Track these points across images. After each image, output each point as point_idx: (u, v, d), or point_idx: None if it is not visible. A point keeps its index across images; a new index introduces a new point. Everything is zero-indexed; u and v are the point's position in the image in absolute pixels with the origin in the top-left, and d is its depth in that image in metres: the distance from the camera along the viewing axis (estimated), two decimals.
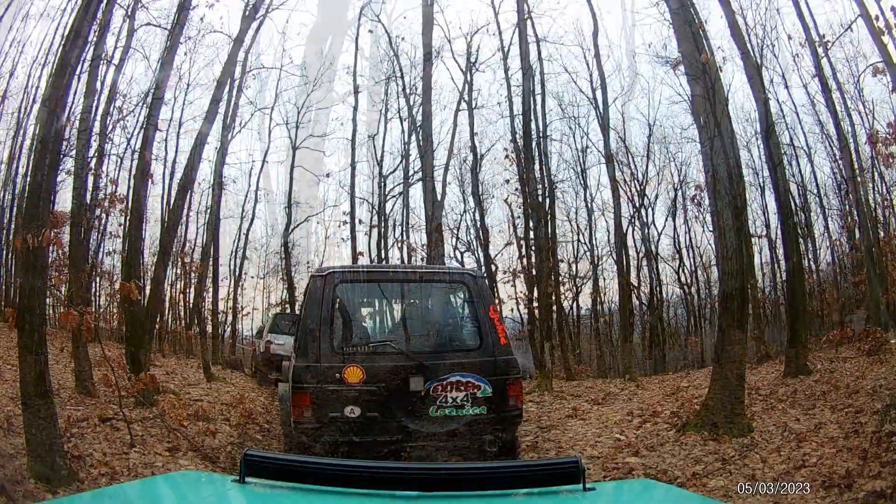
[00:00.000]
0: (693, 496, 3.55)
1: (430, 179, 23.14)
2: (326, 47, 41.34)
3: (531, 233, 29.29)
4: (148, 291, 14.10)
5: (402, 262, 34.36)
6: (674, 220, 39.15)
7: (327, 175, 38.56)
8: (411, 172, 38.33)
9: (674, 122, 40.04)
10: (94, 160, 14.71)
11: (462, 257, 37.60)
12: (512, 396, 6.84)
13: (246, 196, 39.84)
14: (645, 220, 34.21)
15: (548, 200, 29.90)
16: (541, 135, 22.49)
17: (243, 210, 40.36)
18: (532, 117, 24.82)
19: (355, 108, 31.00)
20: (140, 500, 2.40)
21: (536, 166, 25.54)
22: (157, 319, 25.33)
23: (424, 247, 30.12)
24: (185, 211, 14.94)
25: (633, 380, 22.50)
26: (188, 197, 13.80)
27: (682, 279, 41.18)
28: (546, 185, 23.54)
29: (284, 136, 48.80)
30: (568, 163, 37.12)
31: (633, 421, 10.60)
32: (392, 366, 6.64)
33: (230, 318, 39.33)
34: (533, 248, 24.71)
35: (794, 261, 13.59)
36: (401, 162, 39.28)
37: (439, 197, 28.28)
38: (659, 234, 37.87)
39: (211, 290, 32.40)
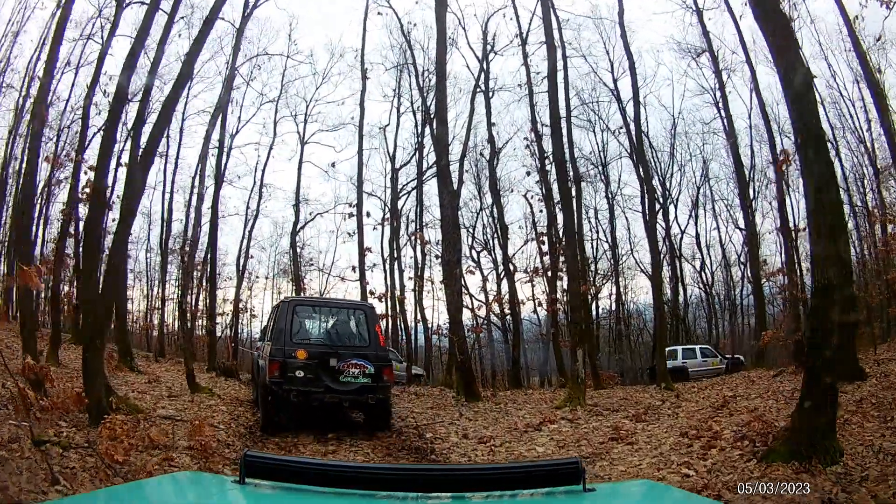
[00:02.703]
0: (693, 496, 3.22)
1: (446, 157, 21.70)
2: (337, 38, 40.07)
3: (556, 226, 28.97)
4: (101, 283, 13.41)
5: (417, 260, 38.06)
6: (696, 217, 41.13)
7: (332, 164, 39.44)
8: (426, 167, 37.02)
9: (694, 115, 38.35)
10: None
11: (479, 257, 37.30)
12: (385, 375, 12.31)
13: (251, 192, 39.85)
14: (668, 217, 33.00)
15: (573, 188, 27.65)
16: (567, 114, 18.88)
17: (248, 207, 40.37)
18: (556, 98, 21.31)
19: (363, 92, 29.57)
20: (140, 501, 2.32)
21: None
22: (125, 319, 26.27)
23: (439, 244, 28.17)
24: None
25: (669, 388, 21.14)
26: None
27: (704, 279, 42.68)
28: (572, 172, 21.19)
29: (292, 131, 51.28)
30: (588, 159, 37.28)
31: (694, 446, 9.47)
32: (321, 351, 12.16)
33: (229, 319, 39.03)
34: (563, 239, 21.97)
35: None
36: (414, 154, 38.35)
37: (455, 186, 26.85)
38: (682, 232, 38.38)
39: (207, 289, 31.64)
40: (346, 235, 34.38)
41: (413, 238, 32.08)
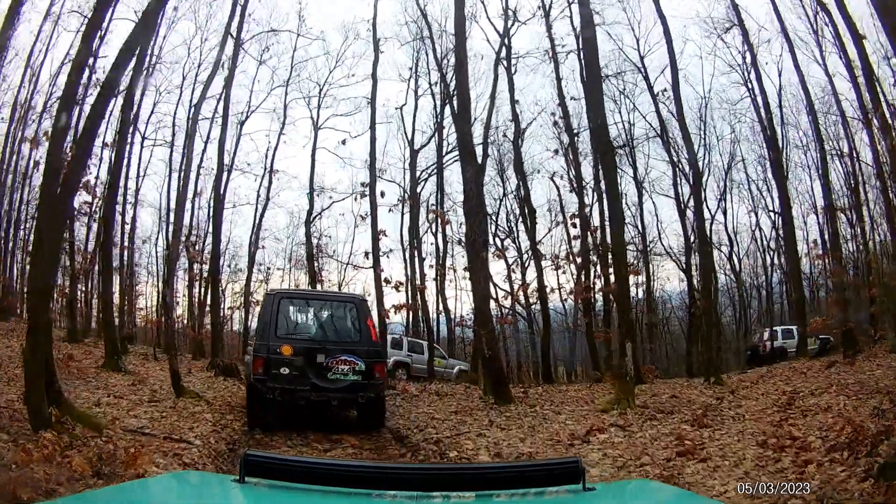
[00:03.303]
0: (693, 496, 3.57)
1: (468, 118, 19.96)
2: (350, 19, 38.93)
3: (586, 207, 29.30)
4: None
5: (438, 246, 36.42)
6: (725, 202, 39.26)
7: (343, 142, 36.87)
8: (446, 150, 36.09)
9: (720, 96, 37.69)
10: None
11: (502, 244, 35.39)
12: (376, 371, 12.05)
13: (261, 179, 39.28)
14: (704, 201, 31.88)
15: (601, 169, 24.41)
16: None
17: (258, 195, 39.52)
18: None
19: (375, 63, 28.95)
20: (140, 500, 2.48)
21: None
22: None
23: (462, 226, 27.74)
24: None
25: (719, 382, 20.01)
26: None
27: (733, 265, 41.22)
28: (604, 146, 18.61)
29: (305, 117, 49.90)
30: (614, 139, 31.09)
31: (782, 461, 7.90)
32: (307, 347, 11.97)
33: (233, 313, 40.21)
34: (607, 214, 21.34)
35: None
36: (433, 136, 37.17)
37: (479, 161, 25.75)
38: (712, 217, 36.65)
39: (206, 282, 32.52)
40: (360, 219, 31.61)
41: (433, 218, 30.14)
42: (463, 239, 27.95)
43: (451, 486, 2.33)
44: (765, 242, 40.03)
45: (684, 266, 34.60)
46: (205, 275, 33.31)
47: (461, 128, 18.08)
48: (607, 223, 22.73)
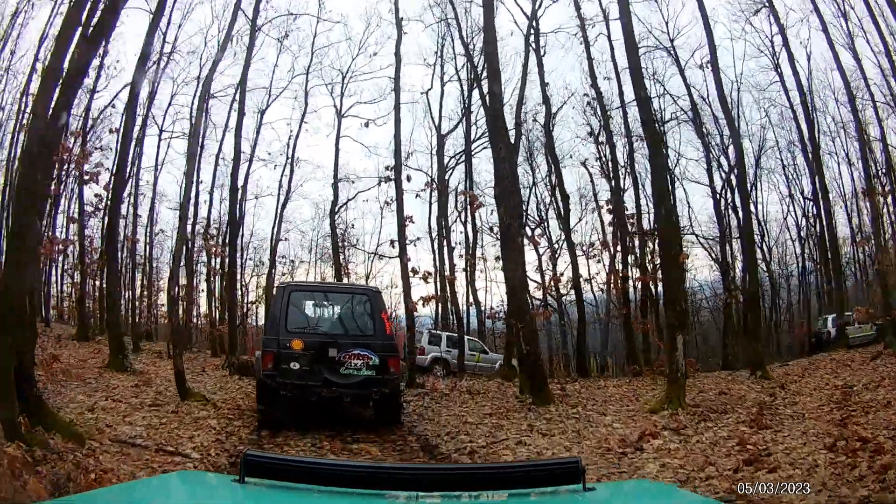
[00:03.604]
0: (693, 496, 3.60)
1: (499, 87, 17.87)
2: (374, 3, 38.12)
3: (622, 192, 28.69)
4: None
5: (468, 234, 35.04)
6: (756, 191, 37.59)
7: (367, 124, 35.93)
8: (474, 136, 35.21)
9: (748, 81, 37.58)
10: None
11: (532, 233, 34.59)
12: (391, 366, 11.78)
13: (283, 169, 38.06)
14: (743, 183, 29.32)
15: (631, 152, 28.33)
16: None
17: (280, 185, 38.33)
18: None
19: (398, 42, 26.68)
20: (140, 501, 2.52)
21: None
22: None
23: (493, 212, 26.52)
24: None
25: (766, 377, 19.24)
26: None
27: (764, 255, 39.43)
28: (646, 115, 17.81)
29: (328, 105, 48.34)
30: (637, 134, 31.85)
31: (859, 466, 7.12)
32: (319, 341, 11.68)
33: (257, 308, 39.39)
34: (652, 192, 20.62)
35: None
36: (460, 122, 36.08)
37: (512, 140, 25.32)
38: (743, 206, 32.41)
39: (224, 273, 32.02)
40: (386, 206, 31.47)
41: (465, 202, 28.99)
42: (494, 227, 28.50)
43: (451, 486, 2.33)
44: (797, 230, 40.53)
45: (717, 255, 34.71)
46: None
47: (492, 102, 17.18)
48: (648, 206, 21.48)
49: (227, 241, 28.66)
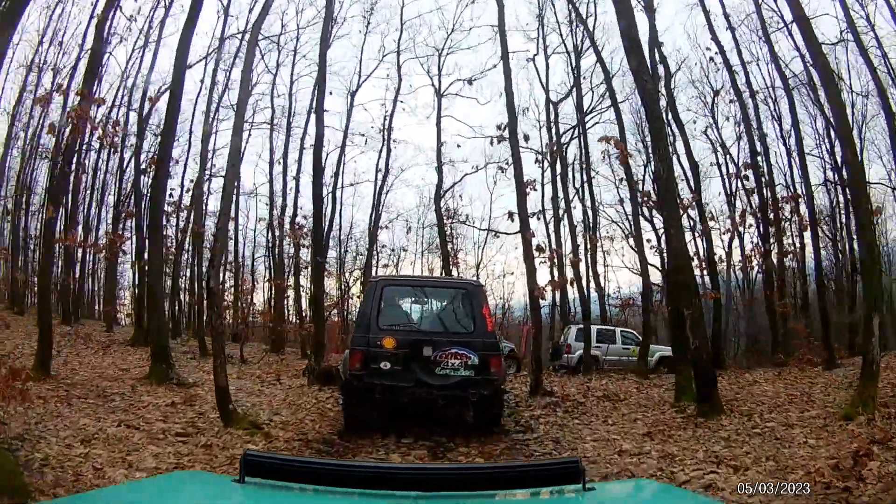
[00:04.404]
0: (693, 496, 3.64)
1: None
2: None
3: (759, 155, 25.56)
4: None
5: (585, 210, 33.78)
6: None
7: (470, 82, 34.32)
8: (588, 104, 33.29)
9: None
10: None
11: (650, 214, 32.77)
12: (492, 366, 11.23)
13: (380, 150, 36.98)
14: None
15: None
16: None
17: (377, 169, 37.20)
18: None
19: None
20: (139, 501, 2.55)
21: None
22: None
23: (623, 182, 28.39)
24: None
25: None
26: None
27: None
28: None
29: (426, 85, 46.65)
30: (759, 90, 31.16)
31: None
32: (413, 339, 11.29)
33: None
34: (839, 142, 20.11)
35: None
36: (568, 94, 33.61)
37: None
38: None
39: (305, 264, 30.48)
40: (500, 172, 30.51)
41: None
42: (622, 202, 30.09)
43: (451, 487, 2.37)
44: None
45: (831, 234, 33.31)
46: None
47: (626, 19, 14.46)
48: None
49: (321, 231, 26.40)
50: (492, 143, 26.49)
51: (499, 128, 23.89)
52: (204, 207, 32.42)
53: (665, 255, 28.90)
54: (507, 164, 26.52)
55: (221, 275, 39.50)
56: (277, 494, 2.33)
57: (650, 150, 24.19)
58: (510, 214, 22.32)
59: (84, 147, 31.09)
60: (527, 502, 2.44)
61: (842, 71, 31.69)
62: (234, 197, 35.63)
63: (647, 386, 18.25)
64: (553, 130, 34.17)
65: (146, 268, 22.48)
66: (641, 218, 29.02)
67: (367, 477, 2.39)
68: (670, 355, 26.02)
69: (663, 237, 30.80)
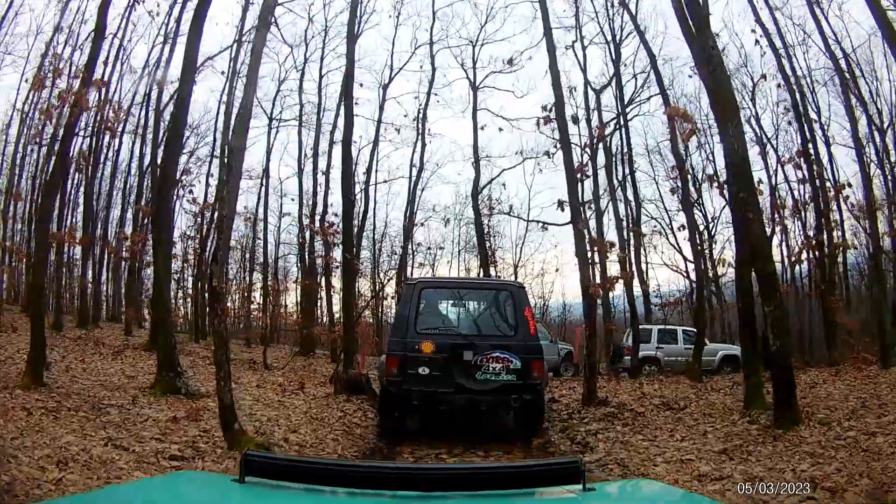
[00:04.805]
0: (694, 496, 3.42)
1: None
2: None
3: (811, 143, 24.17)
4: None
5: (628, 203, 33.02)
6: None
7: (510, 61, 33.14)
8: (630, 93, 32.87)
9: None
10: None
11: (696, 203, 32.78)
12: (534, 370, 11.28)
13: (414, 144, 36.76)
14: None
15: None
16: None
17: (411, 163, 37.03)
18: None
19: None
20: (139, 501, 2.62)
21: None
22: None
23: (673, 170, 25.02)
24: None
25: None
26: None
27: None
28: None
29: (461, 78, 50.29)
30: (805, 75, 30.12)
31: None
32: (453, 343, 11.29)
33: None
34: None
35: None
36: (608, 85, 32.44)
37: None
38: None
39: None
40: (547, 157, 27.42)
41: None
42: (674, 191, 26.57)
43: (451, 486, 2.44)
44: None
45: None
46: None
47: None
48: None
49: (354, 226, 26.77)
50: (538, 124, 24.90)
51: (544, 108, 21.23)
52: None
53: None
54: (555, 146, 23.18)
55: (233, 272, 40.70)
56: (277, 494, 2.42)
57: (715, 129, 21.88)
58: (559, 203, 20.74)
59: (103, 142, 31.52)
60: (527, 502, 2.50)
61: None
62: (239, 180, 34.91)
63: (703, 390, 17.18)
64: (594, 120, 32.57)
65: (154, 269, 20.60)
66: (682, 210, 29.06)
67: (367, 477, 2.46)
68: (735, 354, 25.84)
69: (705, 231, 32.23)
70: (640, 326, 27.94)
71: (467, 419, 12.45)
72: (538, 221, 36.77)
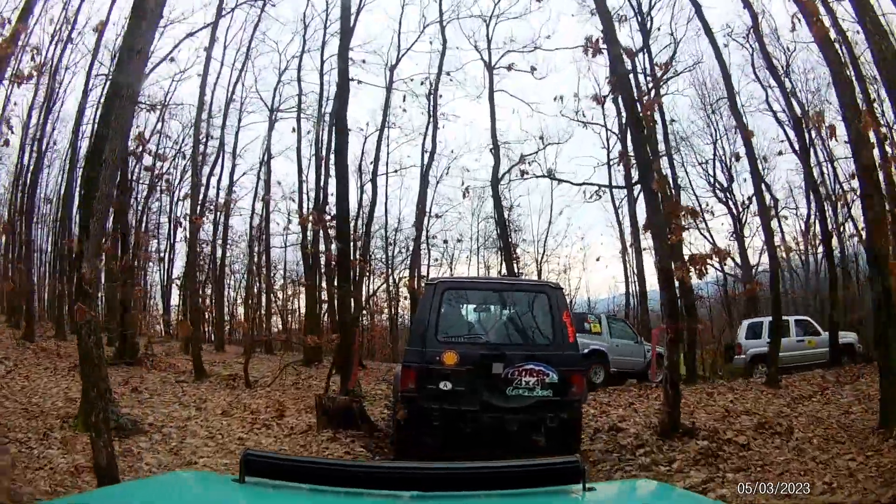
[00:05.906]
0: (694, 496, 3.35)
1: None
2: None
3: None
4: None
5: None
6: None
7: (536, 48, 33.47)
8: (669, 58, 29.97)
9: None
10: None
11: (725, 194, 33.69)
12: (574, 384, 10.09)
13: (426, 128, 35.47)
14: None
15: None
16: None
17: (423, 148, 35.54)
18: None
19: None
20: (139, 500, 2.67)
21: None
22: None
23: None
24: None
25: None
26: None
27: None
28: None
29: (476, 60, 44.47)
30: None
31: None
32: (479, 353, 10.10)
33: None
34: None
35: None
36: (640, 49, 28.72)
37: None
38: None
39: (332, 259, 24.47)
40: (595, 104, 30.16)
41: None
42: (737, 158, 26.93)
43: (450, 486, 2.54)
44: None
45: None
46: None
47: None
48: None
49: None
50: (586, 51, 20.37)
51: (588, 40, 15.11)
52: (202, 198, 31.85)
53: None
54: (602, 95, 20.20)
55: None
56: (277, 494, 2.52)
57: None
58: (620, 156, 17.08)
59: None
60: (527, 502, 2.52)
61: None
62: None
63: (789, 398, 14.69)
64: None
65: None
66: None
67: (367, 476, 2.58)
68: (851, 343, 24.14)
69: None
70: (752, 321, 24.88)
71: (495, 441, 10.61)
72: (592, 184, 33.77)
